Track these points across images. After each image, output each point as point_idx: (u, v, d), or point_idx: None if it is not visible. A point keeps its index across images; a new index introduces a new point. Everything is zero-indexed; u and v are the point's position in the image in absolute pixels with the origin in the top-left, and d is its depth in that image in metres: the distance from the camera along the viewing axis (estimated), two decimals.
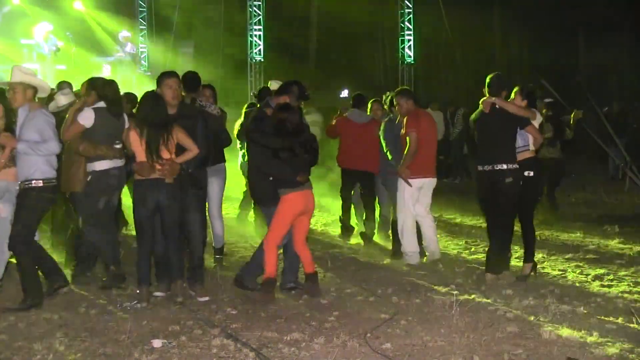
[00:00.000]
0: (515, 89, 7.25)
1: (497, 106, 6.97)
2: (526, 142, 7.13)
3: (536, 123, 7.25)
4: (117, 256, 6.86)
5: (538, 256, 8.04)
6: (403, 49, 22.22)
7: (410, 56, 22.18)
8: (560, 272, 7.41)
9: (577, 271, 7.44)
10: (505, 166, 6.87)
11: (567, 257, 8.11)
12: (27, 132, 6.07)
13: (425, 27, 23.80)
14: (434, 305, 6.12)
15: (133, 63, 18.68)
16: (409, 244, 7.90)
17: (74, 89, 8.07)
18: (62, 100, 7.46)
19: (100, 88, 6.85)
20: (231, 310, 6.01)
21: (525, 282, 6.93)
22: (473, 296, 6.37)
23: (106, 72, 17.76)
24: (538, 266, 7.37)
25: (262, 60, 20.45)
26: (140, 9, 22.13)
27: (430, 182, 7.93)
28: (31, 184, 6.06)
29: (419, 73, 23.45)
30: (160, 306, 6.13)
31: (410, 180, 7.70)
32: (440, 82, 27.64)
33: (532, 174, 7.06)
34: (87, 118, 6.61)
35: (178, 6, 21.39)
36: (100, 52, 19.17)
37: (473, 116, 7.39)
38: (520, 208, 7.11)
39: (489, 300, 6.24)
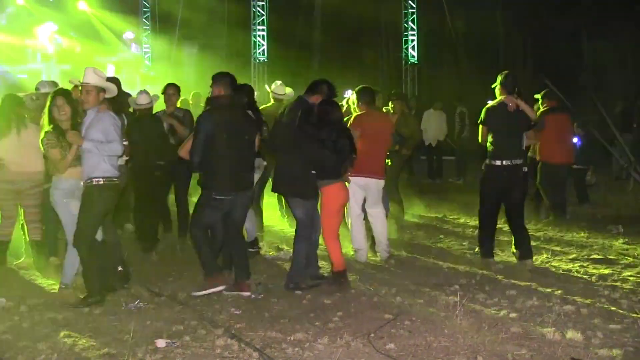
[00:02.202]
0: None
1: (519, 107, 7.42)
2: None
3: None
4: (122, 256, 6.89)
5: (542, 257, 8.06)
6: (407, 48, 22.23)
7: (414, 56, 22.18)
8: (565, 273, 7.39)
9: (582, 271, 7.42)
10: (520, 161, 7.53)
11: (571, 257, 8.10)
12: (93, 132, 6.17)
13: (429, 27, 23.80)
14: (438, 305, 6.11)
15: (137, 63, 18.71)
16: (355, 241, 7.91)
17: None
18: (142, 99, 8.21)
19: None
20: (235, 310, 6.01)
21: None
22: (477, 296, 6.36)
23: (110, 72, 17.81)
24: (542, 266, 7.51)
25: (266, 60, 20.47)
26: (144, 9, 22.17)
27: (375, 183, 7.84)
28: (92, 182, 6.16)
29: (422, 73, 23.44)
30: (164, 306, 6.14)
31: (352, 178, 7.58)
32: (444, 82, 27.61)
33: (526, 169, 7.83)
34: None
35: (182, 6, 21.41)
36: (104, 52, 19.21)
37: (485, 109, 7.60)
38: (513, 203, 7.65)
39: (493, 301, 6.23)
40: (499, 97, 7.58)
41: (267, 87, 9.96)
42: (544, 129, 9.51)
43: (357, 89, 8.13)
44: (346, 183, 7.25)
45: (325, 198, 6.81)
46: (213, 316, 5.84)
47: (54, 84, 8.04)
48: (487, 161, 7.58)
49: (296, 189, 6.77)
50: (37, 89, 8.02)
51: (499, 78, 7.57)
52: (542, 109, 9.97)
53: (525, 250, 7.61)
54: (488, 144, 7.55)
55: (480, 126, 7.68)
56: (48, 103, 6.35)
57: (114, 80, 7.10)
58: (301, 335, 5.29)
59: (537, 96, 10.31)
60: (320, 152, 6.62)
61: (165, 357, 4.91)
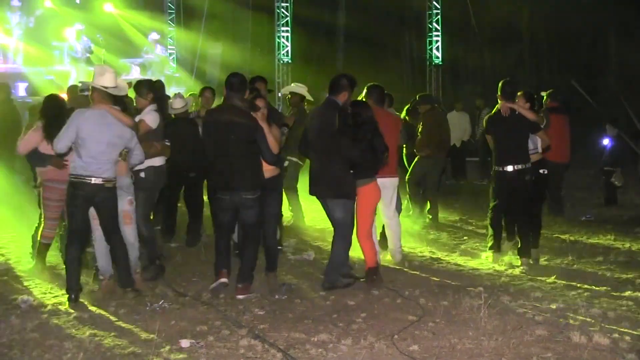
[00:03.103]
0: (519, 93, 7.84)
1: (516, 112, 7.62)
2: (535, 145, 7.89)
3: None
4: (159, 250, 7.27)
5: (567, 259, 8.00)
6: (431, 49, 22.12)
7: (438, 57, 22.07)
8: (591, 276, 7.32)
9: (608, 275, 7.35)
10: (524, 166, 7.64)
11: (597, 260, 8.02)
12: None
13: (453, 28, 23.69)
14: (462, 307, 6.07)
15: (162, 64, 18.83)
16: (391, 241, 8.00)
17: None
18: (177, 103, 8.52)
19: (158, 90, 7.50)
20: (259, 311, 6.03)
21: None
22: (501, 299, 6.31)
23: (135, 74, 17.97)
24: (568, 269, 7.50)
25: (290, 61, 20.50)
26: (169, 11, 22.32)
27: (390, 182, 7.81)
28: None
29: (446, 74, 23.32)
30: (188, 306, 6.17)
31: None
32: (468, 83, 27.47)
33: (546, 172, 7.98)
34: (154, 120, 7.16)
35: (206, 7, 21.52)
36: (129, 53, 19.36)
37: (486, 119, 8.03)
38: (530, 204, 7.89)
39: (517, 303, 6.19)
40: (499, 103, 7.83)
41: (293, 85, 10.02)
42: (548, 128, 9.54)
43: (367, 86, 8.13)
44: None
45: (362, 197, 6.89)
46: (237, 316, 5.86)
47: None
48: (494, 167, 7.84)
49: (340, 190, 6.80)
50: (81, 90, 8.09)
51: (499, 85, 7.82)
52: (543, 108, 9.97)
53: (534, 243, 7.95)
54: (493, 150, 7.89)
55: (487, 135, 8.05)
56: None
57: (159, 84, 7.33)
58: (325, 336, 5.29)
59: (544, 93, 10.34)
60: (359, 152, 6.71)
61: (189, 357, 4.94)
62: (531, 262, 7.72)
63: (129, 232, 6.70)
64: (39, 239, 7.33)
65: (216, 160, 6.64)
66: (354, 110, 6.86)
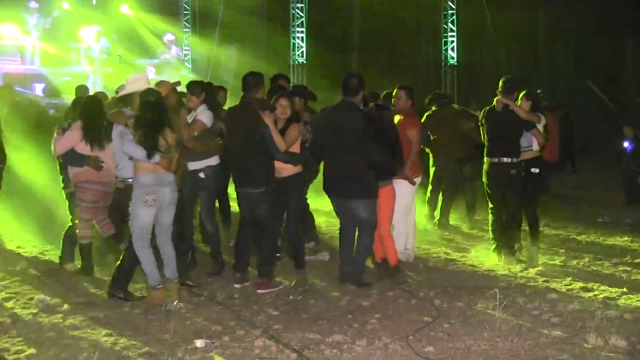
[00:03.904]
0: (522, 92, 8.01)
1: (510, 107, 7.75)
2: (530, 143, 7.94)
3: (540, 126, 7.91)
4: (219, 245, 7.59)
5: (584, 260, 7.95)
6: (446, 50, 22.07)
7: (453, 57, 22.01)
8: (607, 277, 7.27)
9: (624, 276, 7.29)
10: (510, 160, 7.75)
11: (613, 261, 7.96)
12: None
13: (468, 28, 23.60)
14: (477, 308, 6.05)
15: (177, 65, 18.90)
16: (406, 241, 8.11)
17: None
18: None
19: (210, 90, 7.76)
20: (273, 312, 6.04)
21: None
22: (517, 300, 6.28)
23: (151, 75, 18.05)
24: (584, 270, 7.48)
25: (305, 62, 20.52)
26: (185, 12, 22.40)
27: (419, 180, 8.09)
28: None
29: (462, 75, 23.24)
30: (203, 306, 6.19)
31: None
32: (484, 84, 27.34)
33: (537, 171, 7.97)
34: (209, 119, 7.24)
35: (221, 8, 21.58)
36: (145, 54, 19.45)
37: (482, 112, 8.14)
38: (524, 201, 7.98)
39: (533, 304, 6.15)
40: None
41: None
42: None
43: (402, 88, 8.13)
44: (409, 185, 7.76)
45: (383, 198, 7.00)
46: (251, 317, 5.87)
47: None
48: (484, 158, 8.06)
49: (366, 190, 6.87)
50: (117, 92, 8.14)
51: (500, 82, 7.96)
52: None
53: (532, 240, 8.05)
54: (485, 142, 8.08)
55: (480, 127, 8.17)
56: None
57: (208, 84, 7.90)
58: (339, 337, 5.29)
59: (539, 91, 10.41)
60: (384, 153, 6.86)
61: (204, 357, 4.95)
62: (516, 259, 7.84)
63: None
64: (76, 240, 7.38)
65: (230, 157, 7.04)
66: (380, 112, 7.11)
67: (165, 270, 6.36)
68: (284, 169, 6.82)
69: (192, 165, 7.19)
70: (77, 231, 7.27)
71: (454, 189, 10.22)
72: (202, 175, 7.25)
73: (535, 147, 7.96)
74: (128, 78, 6.68)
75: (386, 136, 6.90)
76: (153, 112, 6.12)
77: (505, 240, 7.90)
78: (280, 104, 6.80)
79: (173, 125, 6.33)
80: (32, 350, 5.09)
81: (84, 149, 7.01)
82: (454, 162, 10.00)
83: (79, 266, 7.39)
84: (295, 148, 6.87)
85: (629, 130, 12.22)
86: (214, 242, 7.55)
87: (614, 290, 6.71)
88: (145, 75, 6.71)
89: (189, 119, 7.17)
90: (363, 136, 6.75)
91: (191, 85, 7.49)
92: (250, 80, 6.88)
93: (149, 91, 6.25)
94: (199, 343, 5.15)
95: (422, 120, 9.79)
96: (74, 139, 7.03)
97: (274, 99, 6.89)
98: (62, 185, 7.72)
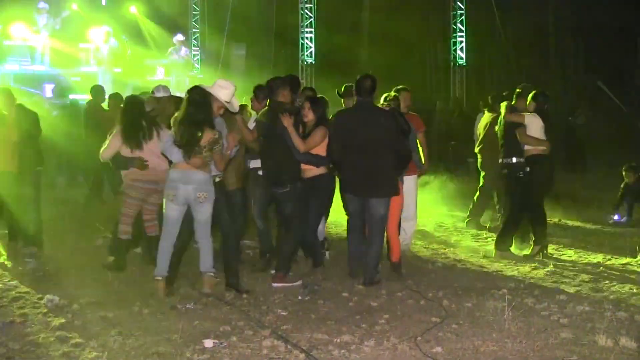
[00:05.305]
0: (531, 93, 8.33)
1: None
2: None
3: (537, 125, 8.10)
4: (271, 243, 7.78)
5: (593, 261, 7.92)
6: (455, 50, 22.03)
7: (462, 58, 21.96)
8: (617, 278, 7.24)
9: (634, 277, 7.26)
10: (509, 160, 8.26)
11: (623, 262, 7.93)
12: None
13: (477, 29, 23.53)
14: (486, 309, 6.03)
15: (186, 66, 18.92)
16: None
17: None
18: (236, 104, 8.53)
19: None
20: (282, 312, 6.04)
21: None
22: (526, 301, 6.27)
23: (160, 75, 18.07)
24: (593, 270, 7.43)
25: (314, 62, 20.53)
26: (194, 12, 22.44)
27: (413, 179, 8.29)
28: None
29: (471, 75, 23.19)
30: (212, 307, 6.20)
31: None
32: (493, 85, 27.27)
33: (528, 169, 8.20)
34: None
35: (230, 9, 21.60)
36: (154, 54, 19.47)
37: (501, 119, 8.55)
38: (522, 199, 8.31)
39: (542, 305, 6.14)
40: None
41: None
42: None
43: (401, 87, 8.36)
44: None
45: (397, 196, 7.18)
46: (260, 317, 5.88)
47: (168, 88, 8.29)
48: None
49: (391, 188, 7.04)
50: (153, 92, 8.18)
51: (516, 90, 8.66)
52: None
53: (537, 237, 8.28)
54: None
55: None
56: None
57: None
58: (348, 338, 5.29)
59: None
60: (410, 153, 7.34)
61: (212, 357, 4.95)
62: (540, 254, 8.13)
63: None
64: (118, 236, 7.53)
65: (260, 158, 7.41)
66: (403, 118, 7.44)
67: (201, 263, 6.61)
68: (309, 170, 7.11)
69: (254, 164, 7.56)
70: (119, 226, 7.44)
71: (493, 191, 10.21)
72: (260, 172, 7.48)
73: (526, 147, 8.18)
74: (219, 81, 6.79)
75: (407, 141, 7.34)
76: (197, 109, 6.34)
77: (507, 232, 8.27)
78: (302, 108, 7.19)
79: (231, 126, 6.76)
80: (41, 350, 5.10)
81: (127, 151, 7.25)
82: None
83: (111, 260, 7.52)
84: (321, 150, 7.10)
85: None
86: (265, 241, 7.79)
87: (624, 291, 6.68)
88: (233, 88, 6.73)
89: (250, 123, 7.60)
90: (392, 132, 6.94)
91: (258, 90, 7.80)
92: (273, 84, 7.22)
93: (196, 89, 6.56)
94: (208, 343, 5.16)
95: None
96: (115, 144, 7.28)
97: (279, 102, 7.10)
98: (119, 189, 7.97)
